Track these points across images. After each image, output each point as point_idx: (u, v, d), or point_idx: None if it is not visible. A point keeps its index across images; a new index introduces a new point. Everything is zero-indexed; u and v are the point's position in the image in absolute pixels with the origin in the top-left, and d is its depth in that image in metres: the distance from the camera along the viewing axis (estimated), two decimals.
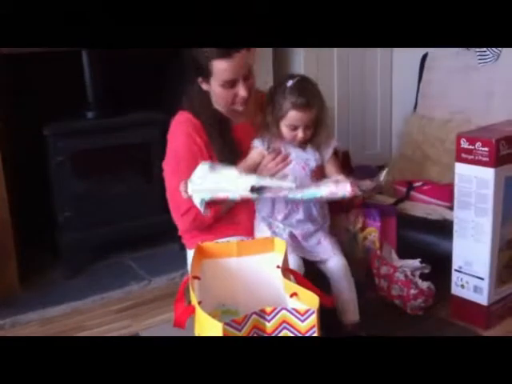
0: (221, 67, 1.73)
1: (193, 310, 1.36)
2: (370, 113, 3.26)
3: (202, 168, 1.65)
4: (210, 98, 1.86)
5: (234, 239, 1.73)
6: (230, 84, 1.77)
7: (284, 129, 1.78)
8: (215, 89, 1.79)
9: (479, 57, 2.59)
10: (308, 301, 1.35)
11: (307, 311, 1.29)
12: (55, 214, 2.46)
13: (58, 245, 2.45)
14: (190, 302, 1.40)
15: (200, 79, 1.81)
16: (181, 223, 1.87)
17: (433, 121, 2.73)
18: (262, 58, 2.71)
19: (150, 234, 2.62)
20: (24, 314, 2.15)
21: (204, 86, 1.82)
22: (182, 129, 1.85)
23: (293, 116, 1.75)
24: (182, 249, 2.24)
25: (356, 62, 3.13)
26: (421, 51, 2.85)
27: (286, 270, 1.51)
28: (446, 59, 2.73)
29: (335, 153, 1.89)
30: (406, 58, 3.09)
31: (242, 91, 1.78)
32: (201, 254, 1.60)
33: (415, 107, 2.86)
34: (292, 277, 1.53)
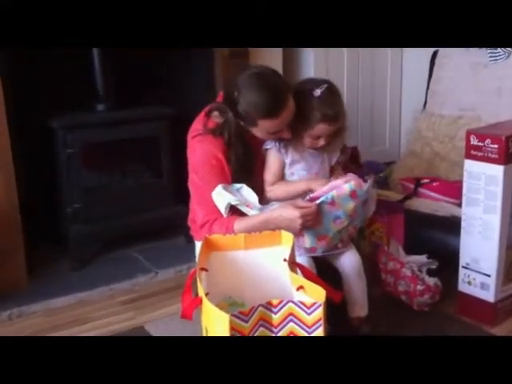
0: (267, 124, 1.70)
1: (200, 302, 1.36)
2: (379, 109, 3.25)
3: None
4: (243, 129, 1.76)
5: None
6: (275, 132, 1.74)
7: (307, 139, 1.75)
8: (257, 133, 1.75)
9: (490, 54, 2.58)
10: (315, 294, 1.35)
11: (314, 304, 1.29)
12: (64, 206, 2.47)
13: (66, 237, 2.46)
14: (197, 294, 1.41)
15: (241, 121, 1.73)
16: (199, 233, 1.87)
17: (442, 118, 2.72)
18: (272, 56, 2.71)
19: (158, 226, 2.63)
20: (30, 304, 2.16)
21: (243, 124, 1.74)
22: (213, 166, 1.76)
23: (320, 128, 1.72)
24: (189, 241, 2.24)
25: (366, 58, 3.13)
26: (431, 48, 2.83)
27: (292, 264, 1.51)
28: (456, 56, 2.71)
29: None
30: (416, 55, 3.08)
31: (285, 135, 1.75)
32: (209, 246, 1.60)
33: (425, 104, 2.85)
34: (299, 270, 1.53)
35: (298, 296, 1.41)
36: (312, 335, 1.30)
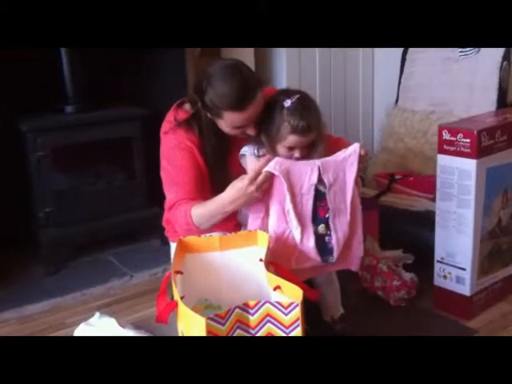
0: (232, 117, 1.65)
1: (175, 305, 1.34)
2: (351, 106, 3.25)
3: None
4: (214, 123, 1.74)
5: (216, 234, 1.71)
6: (240, 127, 1.69)
7: (281, 149, 1.69)
8: (222, 126, 1.71)
9: (460, 49, 2.59)
10: (292, 294, 1.34)
11: (291, 304, 1.28)
12: (35, 210, 2.43)
13: (39, 241, 2.41)
14: (172, 297, 1.39)
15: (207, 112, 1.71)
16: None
17: (414, 113, 2.73)
18: (243, 56, 2.69)
19: (132, 229, 2.59)
20: (2, 311, 2.12)
21: (209, 116, 1.71)
22: (184, 150, 1.74)
23: (292, 140, 1.66)
24: (164, 243, 2.21)
25: (338, 55, 3.12)
26: None
27: (269, 264, 1.50)
28: (427, 51, 2.72)
29: None
30: (387, 51, 3.09)
31: (250, 131, 1.71)
32: (183, 248, 1.58)
33: (397, 100, 2.86)
34: (275, 270, 1.52)
35: (275, 296, 1.39)
36: (290, 335, 1.29)
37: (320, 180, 1.63)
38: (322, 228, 1.64)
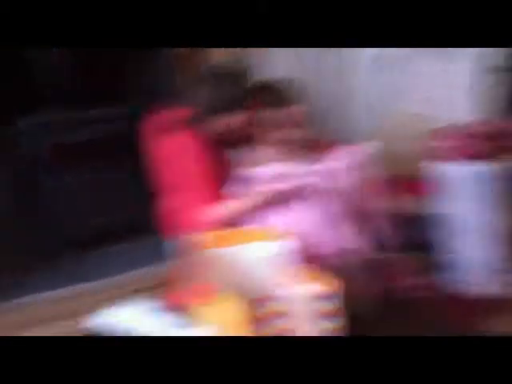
0: (229, 119, 1.71)
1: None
2: (346, 108, 3.26)
3: None
4: None
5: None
6: (236, 128, 1.75)
7: (271, 134, 1.74)
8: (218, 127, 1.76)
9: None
10: (326, 284, 1.38)
11: (327, 293, 1.33)
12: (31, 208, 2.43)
13: (37, 239, 2.42)
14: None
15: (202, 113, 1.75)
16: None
17: (408, 116, 2.75)
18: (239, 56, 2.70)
19: (132, 227, 2.60)
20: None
21: (205, 116, 1.76)
22: (183, 152, 1.78)
23: (267, 115, 1.71)
24: (164, 240, 2.22)
25: (334, 54, 3.13)
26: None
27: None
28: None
29: None
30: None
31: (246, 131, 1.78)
32: (186, 245, 1.59)
33: (390, 103, 2.88)
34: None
35: (308, 288, 1.43)
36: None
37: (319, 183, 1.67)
38: None
